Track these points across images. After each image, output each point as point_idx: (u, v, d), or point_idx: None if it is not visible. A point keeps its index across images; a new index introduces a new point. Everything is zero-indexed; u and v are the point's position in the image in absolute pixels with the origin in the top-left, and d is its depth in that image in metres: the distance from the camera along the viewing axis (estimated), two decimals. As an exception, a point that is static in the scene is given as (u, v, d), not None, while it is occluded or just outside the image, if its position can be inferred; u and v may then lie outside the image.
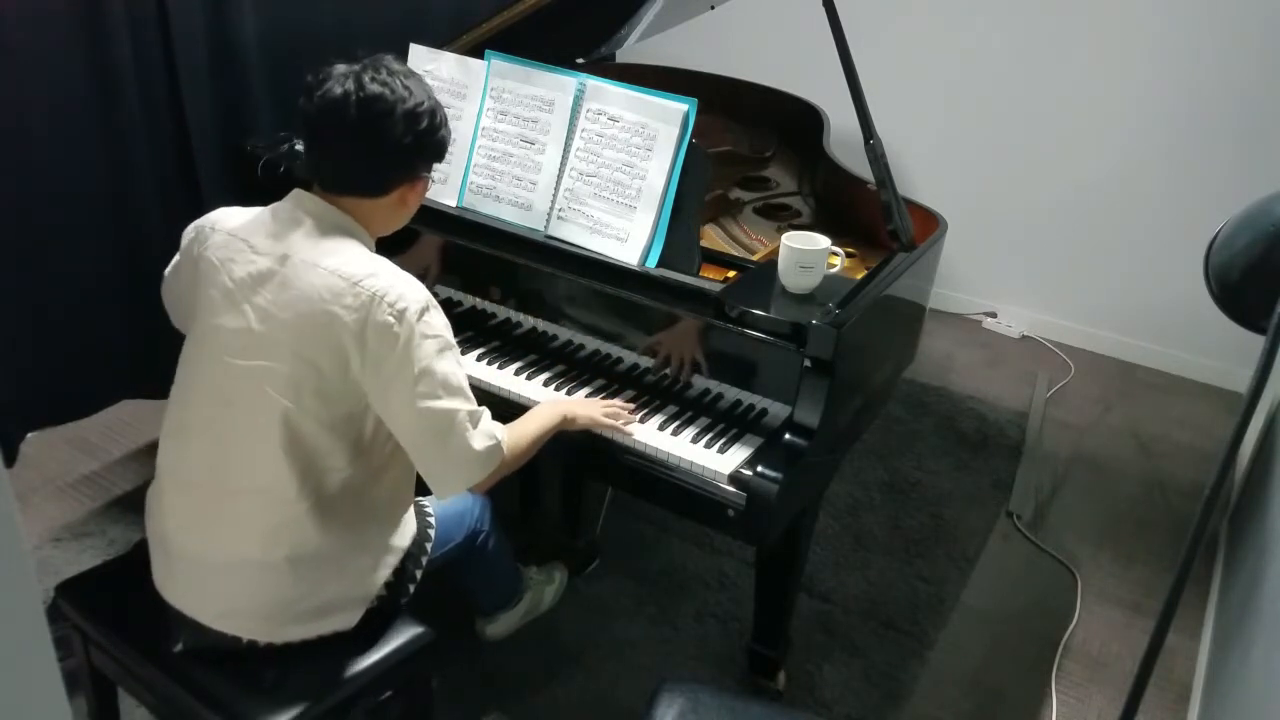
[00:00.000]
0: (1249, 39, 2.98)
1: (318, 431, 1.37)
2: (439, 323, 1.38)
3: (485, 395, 1.82)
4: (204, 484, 1.41)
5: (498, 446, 1.43)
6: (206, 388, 1.42)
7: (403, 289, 1.35)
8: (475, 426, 1.40)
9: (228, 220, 1.46)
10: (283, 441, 1.36)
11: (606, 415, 1.68)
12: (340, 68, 1.40)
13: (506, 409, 1.79)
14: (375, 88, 1.36)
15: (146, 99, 2.11)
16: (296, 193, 1.44)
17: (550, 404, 1.65)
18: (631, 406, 1.74)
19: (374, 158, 1.41)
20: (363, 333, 1.32)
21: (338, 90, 1.36)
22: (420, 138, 1.41)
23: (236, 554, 1.39)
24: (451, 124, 1.88)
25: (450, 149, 1.89)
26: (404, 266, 1.97)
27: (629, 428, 1.69)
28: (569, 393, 1.80)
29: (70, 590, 1.52)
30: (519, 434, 1.53)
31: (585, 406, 1.68)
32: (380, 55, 1.42)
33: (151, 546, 1.49)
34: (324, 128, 1.40)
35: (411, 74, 1.43)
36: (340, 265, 1.35)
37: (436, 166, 1.51)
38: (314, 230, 1.40)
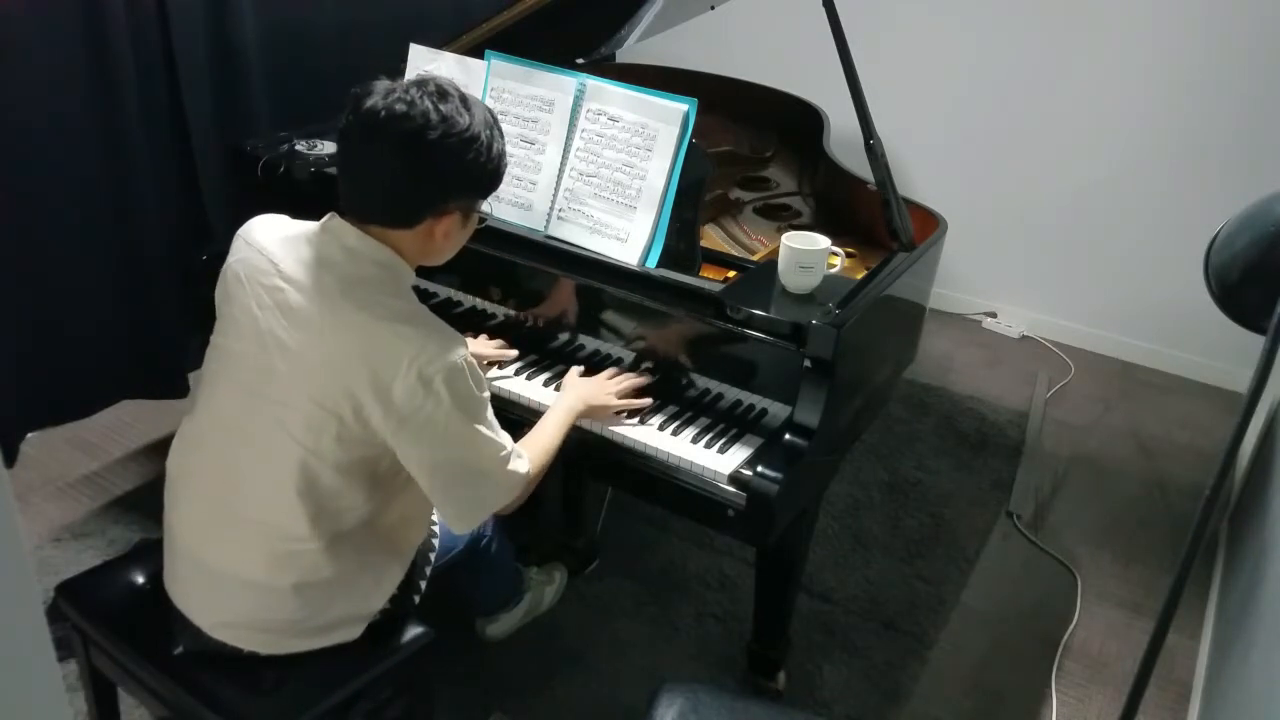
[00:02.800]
0: (1248, 39, 2.98)
1: (334, 475, 1.32)
2: (472, 385, 1.31)
3: (485, 395, 1.82)
4: (213, 501, 1.38)
5: (522, 479, 1.41)
6: (223, 414, 1.38)
7: (434, 350, 1.26)
8: (504, 466, 1.37)
9: (260, 233, 1.38)
10: (298, 485, 1.31)
11: (620, 396, 1.69)
12: (384, 82, 1.30)
13: (506, 409, 1.79)
14: (401, 106, 1.25)
15: (146, 99, 2.12)
16: (335, 221, 1.34)
17: (564, 404, 1.63)
18: (644, 381, 1.74)
19: (396, 187, 1.30)
20: (389, 391, 1.26)
21: (371, 104, 1.27)
22: (451, 166, 1.29)
23: (240, 573, 1.36)
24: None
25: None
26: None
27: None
28: (569, 393, 1.79)
29: (70, 590, 1.51)
30: (540, 448, 1.52)
31: (598, 393, 1.67)
32: (431, 76, 1.31)
33: (164, 538, 1.47)
34: (351, 146, 1.31)
35: (458, 96, 1.30)
36: (370, 317, 1.27)
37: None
38: (347, 268, 1.30)
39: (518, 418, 1.76)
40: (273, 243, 1.36)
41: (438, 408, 1.27)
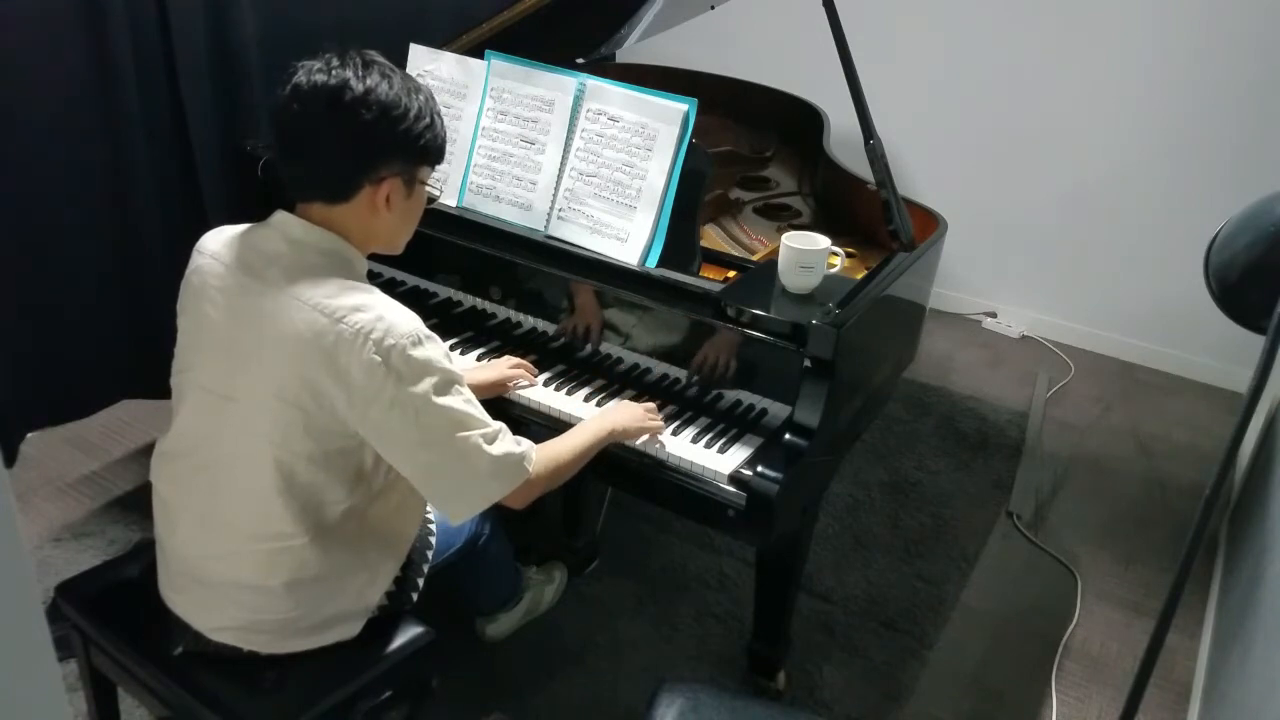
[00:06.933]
0: (1248, 38, 2.98)
1: (312, 469, 1.31)
2: (434, 356, 1.28)
3: (485, 395, 1.82)
4: (200, 514, 1.38)
5: (519, 462, 1.36)
6: (195, 424, 1.38)
7: (390, 323, 1.25)
8: (490, 445, 1.33)
9: (211, 241, 1.39)
10: (276, 484, 1.30)
11: (649, 420, 1.66)
12: (310, 61, 1.32)
13: (505, 409, 1.79)
14: (321, 77, 1.28)
15: (146, 99, 2.11)
16: (280, 215, 1.35)
17: (596, 420, 1.60)
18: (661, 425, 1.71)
19: (327, 152, 1.31)
20: (347, 373, 1.24)
21: (297, 80, 1.30)
22: (376, 127, 1.29)
23: (231, 577, 1.36)
24: (452, 124, 1.90)
25: (450, 149, 1.91)
26: (404, 268, 2.00)
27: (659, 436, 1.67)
28: (569, 393, 1.79)
29: (70, 590, 1.51)
30: (560, 448, 1.48)
31: (629, 417, 1.63)
32: (354, 47, 1.33)
33: (157, 550, 1.48)
34: (283, 121, 1.32)
35: (386, 66, 1.33)
36: (321, 300, 1.26)
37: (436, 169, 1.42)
38: (293, 259, 1.31)
39: (517, 416, 1.76)
40: (222, 246, 1.37)
41: (400, 383, 1.25)
